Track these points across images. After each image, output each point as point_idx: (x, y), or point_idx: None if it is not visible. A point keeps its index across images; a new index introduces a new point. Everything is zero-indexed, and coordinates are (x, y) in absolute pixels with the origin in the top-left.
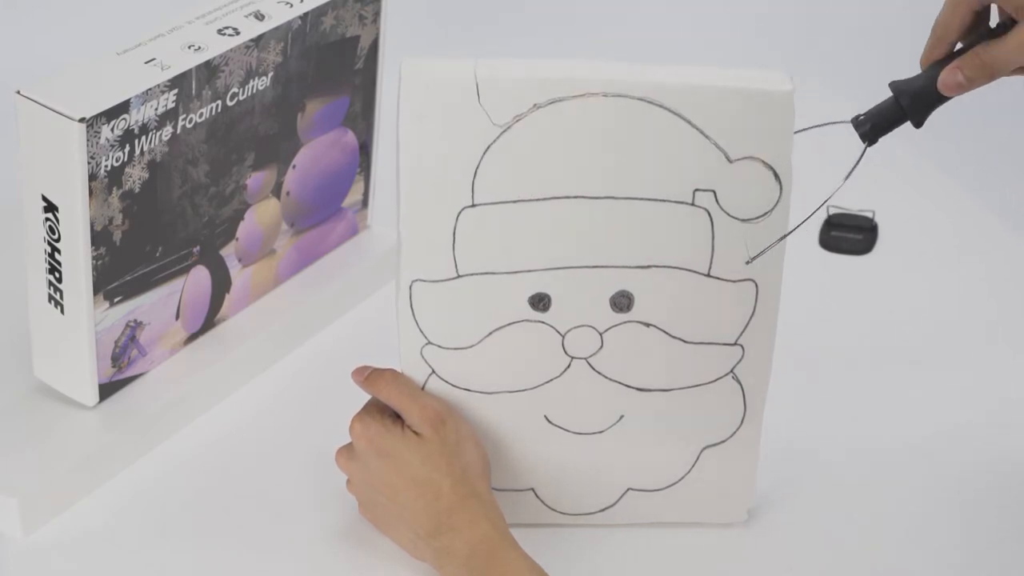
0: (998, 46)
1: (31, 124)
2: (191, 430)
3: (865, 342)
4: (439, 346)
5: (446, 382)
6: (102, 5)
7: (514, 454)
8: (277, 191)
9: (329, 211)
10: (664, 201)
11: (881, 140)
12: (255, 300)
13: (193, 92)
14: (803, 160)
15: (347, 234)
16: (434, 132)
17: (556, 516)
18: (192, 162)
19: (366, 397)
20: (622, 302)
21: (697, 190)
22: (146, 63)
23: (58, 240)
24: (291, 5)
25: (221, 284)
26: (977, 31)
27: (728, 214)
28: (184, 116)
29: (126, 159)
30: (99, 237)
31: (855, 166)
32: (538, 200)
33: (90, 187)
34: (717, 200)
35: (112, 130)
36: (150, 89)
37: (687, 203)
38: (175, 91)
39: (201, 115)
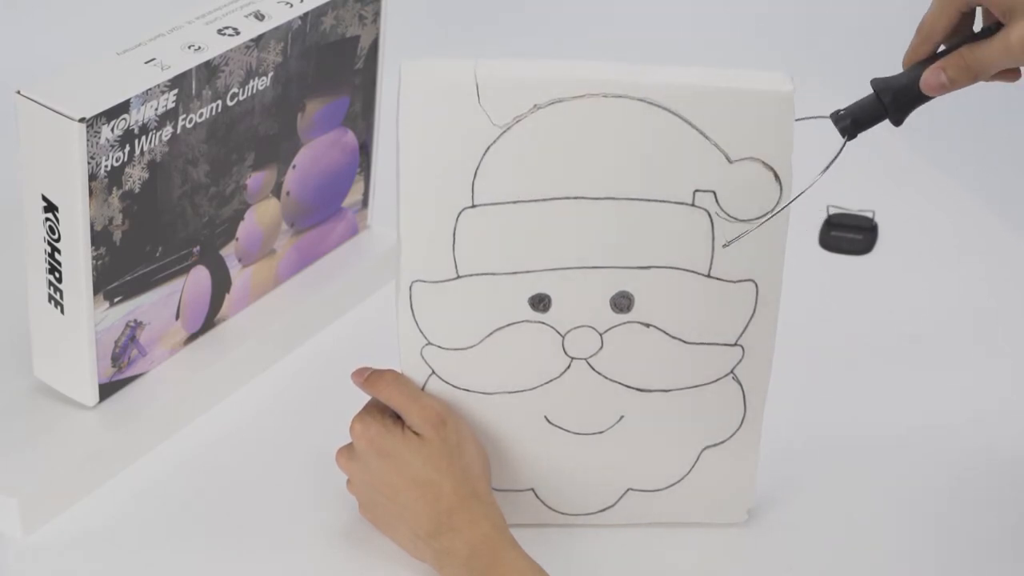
0: (982, 48)
1: (31, 124)
2: (191, 430)
3: (865, 342)
4: (439, 347)
5: (446, 383)
6: (102, 5)
7: (514, 454)
8: (277, 191)
9: (329, 211)
10: (664, 202)
11: (881, 140)
12: (255, 300)
13: (193, 92)
14: (803, 160)
15: (347, 234)
16: (434, 133)
17: (556, 516)
18: (192, 162)
19: (366, 397)
20: (622, 303)
21: (697, 191)
22: (146, 63)
23: (58, 240)
24: (291, 5)
25: (221, 284)
26: (961, 33)
27: (728, 215)
28: (184, 116)
29: (126, 159)
30: (99, 237)
31: (833, 160)
32: (538, 201)
33: (90, 187)
34: (717, 201)
35: (112, 130)
36: (150, 89)
37: (687, 204)
38: (175, 91)
39: (201, 115)
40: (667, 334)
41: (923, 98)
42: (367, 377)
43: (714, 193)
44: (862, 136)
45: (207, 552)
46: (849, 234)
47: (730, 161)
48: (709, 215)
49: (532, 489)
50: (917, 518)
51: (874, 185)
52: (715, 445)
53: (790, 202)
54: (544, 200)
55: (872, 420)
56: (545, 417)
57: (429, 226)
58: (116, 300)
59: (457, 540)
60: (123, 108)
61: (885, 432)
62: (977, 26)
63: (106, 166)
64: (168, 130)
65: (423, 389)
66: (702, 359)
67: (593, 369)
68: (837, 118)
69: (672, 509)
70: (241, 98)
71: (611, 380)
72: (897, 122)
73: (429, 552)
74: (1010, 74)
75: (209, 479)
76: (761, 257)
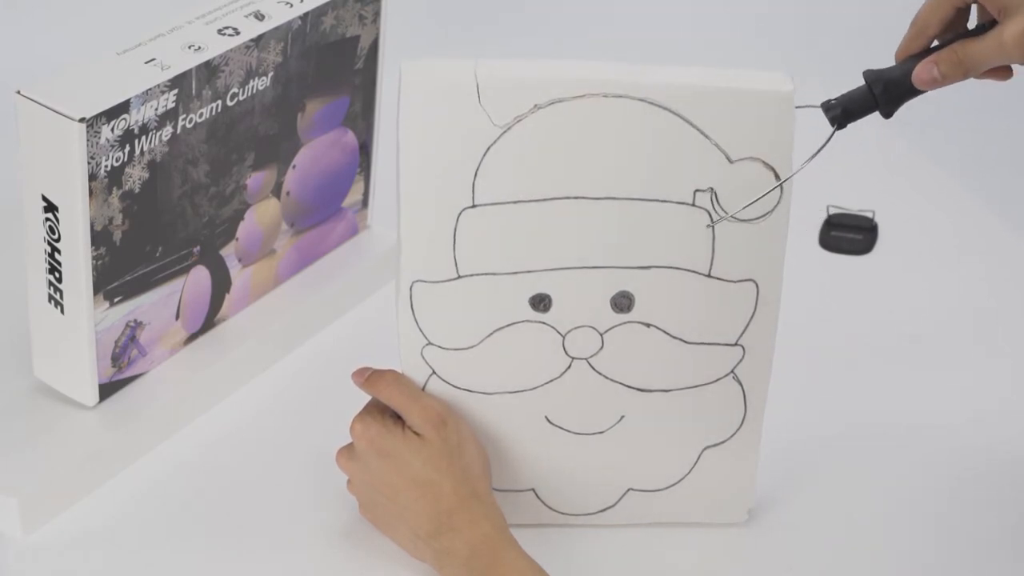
0: (976, 44)
1: (31, 124)
2: (191, 430)
3: (865, 342)
4: (439, 347)
5: (447, 383)
6: (102, 5)
7: (515, 454)
8: (277, 191)
9: (329, 211)
10: (665, 202)
11: (881, 140)
12: (255, 300)
13: (193, 92)
14: (805, 151)
15: (347, 234)
16: (434, 133)
17: (556, 516)
18: (192, 162)
19: (366, 397)
20: (623, 303)
21: (697, 190)
22: (146, 63)
23: (58, 240)
24: (291, 5)
25: (221, 284)
26: (955, 29)
27: (729, 214)
28: (184, 116)
29: (126, 159)
30: (99, 237)
31: (820, 148)
32: (539, 201)
33: (90, 187)
34: (717, 200)
35: (112, 130)
36: (150, 89)
37: (687, 203)
38: (175, 91)
39: (201, 115)
40: (667, 334)
41: (914, 92)
42: (367, 377)
43: (714, 193)
44: (862, 136)
45: (207, 552)
46: (849, 234)
47: (730, 161)
48: (709, 215)
49: (532, 489)
50: (917, 518)
51: (874, 185)
52: (715, 445)
53: (774, 188)
54: (544, 200)
55: (872, 420)
56: (546, 417)
57: (429, 226)
58: (116, 300)
59: (457, 540)
60: (123, 108)
61: (885, 432)
62: (972, 23)
63: (106, 166)
64: (168, 130)
65: (423, 389)
66: (702, 359)
67: (593, 369)
68: (827, 107)
69: (672, 509)
70: (241, 98)
71: (611, 380)
72: (887, 114)
73: (429, 552)
74: (1002, 72)
75: (209, 479)
76: (761, 257)
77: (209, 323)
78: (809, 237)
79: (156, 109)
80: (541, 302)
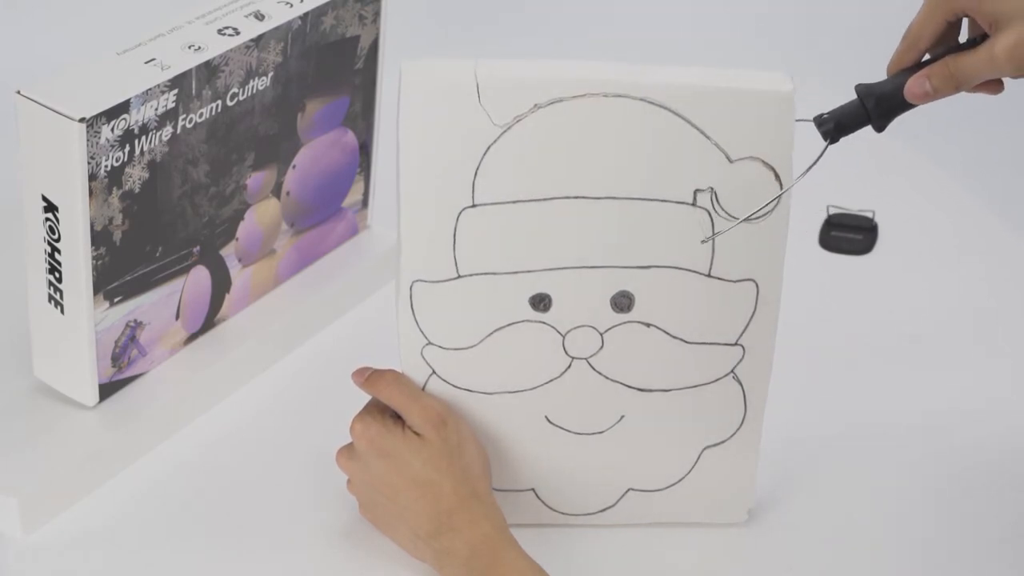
0: (967, 58)
1: (31, 124)
2: (191, 430)
3: (865, 342)
4: (439, 346)
5: (447, 382)
6: (102, 5)
7: (515, 454)
8: (277, 191)
9: (329, 211)
10: (664, 201)
11: (881, 140)
12: (255, 300)
13: (193, 92)
14: (803, 160)
15: (347, 234)
16: (434, 133)
17: (556, 516)
18: (192, 162)
19: (366, 397)
20: (623, 302)
21: (697, 190)
22: (146, 63)
23: (58, 240)
24: (291, 5)
25: (221, 284)
26: (947, 43)
27: (729, 214)
28: (184, 116)
29: (126, 159)
30: (99, 237)
31: (814, 163)
32: (539, 200)
33: (90, 187)
34: (717, 200)
35: (112, 130)
36: (150, 89)
37: (688, 203)
38: (175, 91)
39: (201, 115)
40: (667, 334)
41: (906, 105)
42: (367, 377)
43: (714, 192)
44: (862, 136)
45: (207, 552)
46: (849, 234)
47: (730, 161)
48: (709, 215)
49: (532, 489)
50: (917, 518)
51: (874, 185)
52: (715, 445)
53: (771, 201)
54: (544, 200)
55: (872, 420)
56: (545, 417)
57: (429, 226)
58: (116, 300)
59: (457, 540)
60: (123, 108)
61: (885, 432)
62: (963, 37)
63: (106, 166)
64: (168, 130)
65: (423, 389)
66: (703, 359)
67: (593, 369)
68: (820, 122)
69: (672, 509)
70: (241, 98)
71: (611, 380)
72: (879, 128)
73: (429, 552)
74: (993, 85)
75: (209, 479)
76: (761, 257)
77: (209, 323)
78: (809, 237)
79: (156, 109)
80: (541, 302)
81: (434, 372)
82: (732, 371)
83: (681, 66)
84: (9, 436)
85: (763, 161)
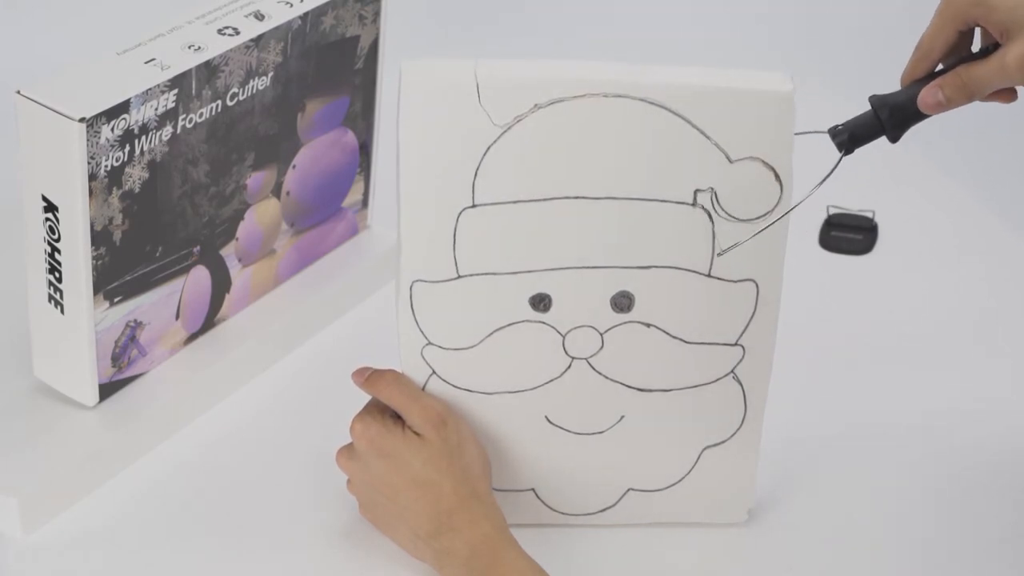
0: (979, 67)
1: (31, 124)
2: (191, 430)
3: (865, 342)
4: (440, 347)
5: (447, 383)
6: (102, 5)
7: (515, 454)
8: (277, 191)
9: (329, 211)
10: (664, 201)
11: (881, 141)
12: (255, 300)
13: (193, 92)
14: (804, 160)
15: (347, 234)
16: (434, 133)
17: (556, 516)
18: (192, 162)
19: (366, 397)
20: (623, 302)
21: (697, 190)
22: (146, 63)
23: (58, 240)
24: (291, 5)
25: (221, 284)
26: (959, 53)
27: (729, 214)
28: (184, 116)
29: (126, 159)
30: (99, 237)
31: (829, 174)
32: (539, 201)
33: (90, 187)
34: (718, 200)
35: (112, 130)
36: (150, 89)
37: (688, 203)
38: (175, 91)
39: (201, 115)
40: (668, 334)
41: (920, 115)
42: (367, 377)
43: (714, 193)
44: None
45: (207, 552)
46: (849, 234)
47: (730, 161)
48: (709, 215)
49: (532, 489)
50: (917, 518)
51: (874, 185)
52: (715, 445)
53: (785, 214)
54: (544, 200)
55: (872, 420)
56: (546, 417)
57: (429, 226)
58: (116, 300)
59: (457, 540)
60: (123, 108)
61: (885, 432)
62: (975, 46)
63: (106, 166)
64: (168, 130)
65: (423, 389)
66: (703, 359)
67: (593, 369)
68: (835, 133)
69: (672, 509)
70: (241, 98)
71: (611, 380)
72: (894, 139)
73: (429, 552)
74: (1006, 94)
75: (209, 479)
76: (761, 257)
77: (209, 323)
78: (809, 237)
79: (156, 109)
80: (541, 302)
81: (434, 372)
82: (732, 371)
83: (681, 66)
84: (9, 436)
85: (763, 161)
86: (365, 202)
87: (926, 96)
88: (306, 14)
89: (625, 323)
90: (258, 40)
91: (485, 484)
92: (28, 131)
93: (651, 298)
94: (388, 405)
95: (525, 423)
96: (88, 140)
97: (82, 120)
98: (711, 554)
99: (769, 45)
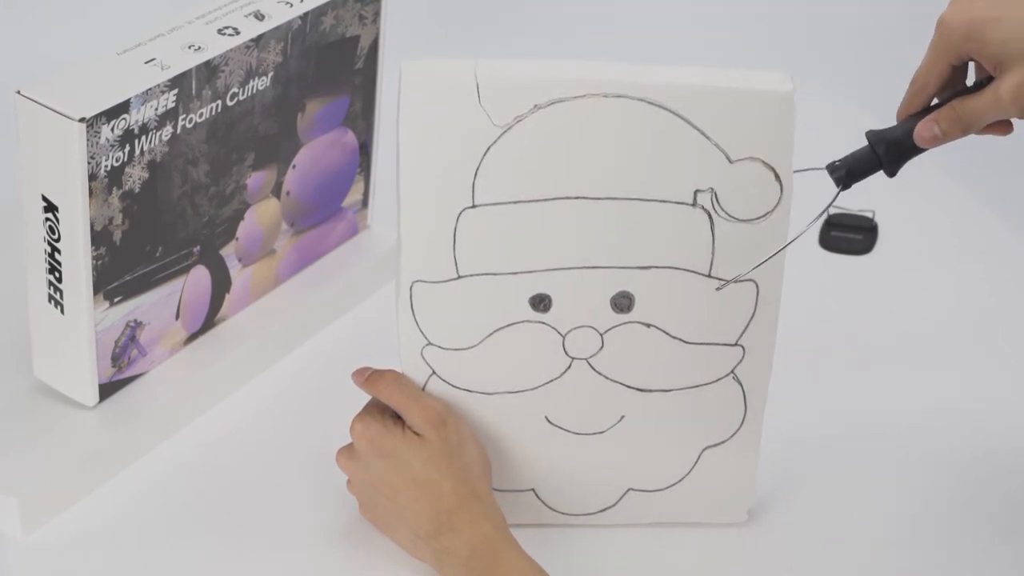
0: (974, 101)
1: (31, 124)
2: (191, 430)
3: (865, 342)
4: (439, 347)
5: (447, 383)
6: (102, 5)
7: (515, 455)
8: (277, 191)
9: (329, 211)
10: (664, 202)
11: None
12: (255, 300)
13: (193, 92)
14: (804, 161)
15: (347, 234)
16: (434, 133)
17: (556, 516)
18: (192, 162)
19: (366, 397)
20: (623, 303)
21: (697, 191)
22: (146, 63)
23: (58, 240)
24: (291, 5)
25: (221, 284)
26: (954, 87)
27: (729, 215)
28: (184, 116)
29: (126, 159)
30: (99, 237)
31: (826, 208)
32: (539, 201)
33: (90, 187)
34: (718, 201)
35: (112, 130)
36: (150, 89)
37: (687, 204)
38: (175, 91)
39: (201, 115)
40: (668, 334)
41: (916, 149)
42: (367, 377)
43: (714, 193)
44: (862, 137)
45: (207, 552)
46: (849, 234)
47: (730, 161)
48: (709, 215)
49: (532, 489)
50: (917, 518)
51: (874, 185)
52: (715, 445)
53: (784, 248)
54: (545, 200)
55: (872, 420)
56: (546, 417)
57: (429, 226)
58: (116, 300)
59: (457, 540)
60: (123, 108)
61: (885, 432)
62: (970, 80)
63: (106, 166)
64: (168, 130)
65: (423, 389)
66: (703, 359)
67: (593, 369)
68: (832, 169)
69: (672, 509)
70: (241, 98)
71: (612, 380)
72: (891, 173)
73: (429, 552)
74: (1002, 126)
75: (209, 479)
76: (762, 257)
77: (209, 323)
78: (809, 237)
79: (156, 109)
80: (541, 302)
81: (434, 372)
82: (732, 371)
83: (681, 66)
84: (9, 436)
85: (763, 161)
86: (365, 202)
87: (922, 130)
88: (306, 14)
89: (625, 323)
90: (258, 40)
91: (485, 484)
92: (28, 131)
93: (651, 298)
94: (388, 405)
95: (525, 423)
96: (88, 140)
97: (82, 120)
98: (711, 554)
99: (769, 45)
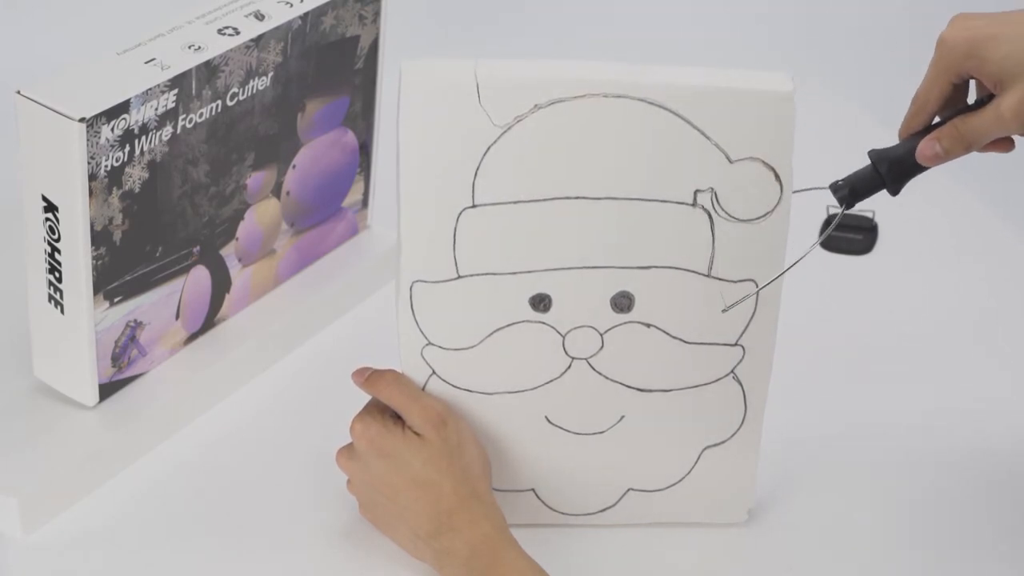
0: (975, 118)
1: (31, 124)
2: (191, 430)
3: (865, 342)
4: (440, 347)
5: (447, 383)
6: (102, 5)
7: (515, 455)
8: (277, 191)
9: (329, 211)
10: (665, 202)
11: (882, 142)
12: (255, 300)
13: (193, 92)
14: (804, 161)
15: (347, 234)
16: (434, 133)
17: (556, 516)
18: (192, 162)
19: (366, 397)
20: (623, 303)
21: (697, 191)
22: (146, 63)
23: (58, 240)
24: (291, 5)
25: (221, 284)
26: (955, 105)
27: (729, 215)
28: (184, 116)
29: (126, 159)
30: (99, 237)
31: (830, 228)
32: (539, 201)
33: (90, 187)
34: (718, 201)
35: (112, 130)
36: (150, 89)
37: (687, 204)
38: (175, 91)
39: (201, 115)
40: (668, 334)
41: (919, 168)
42: (367, 377)
43: (714, 193)
44: (862, 136)
45: (207, 552)
46: (849, 234)
47: (730, 161)
48: (709, 215)
49: (532, 489)
50: (917, 518)
51: None
52: (716, 445)
53: (786, 270)
54: (545, 200)
55: (872, 420)
56: (546, 417)
57: (429, 226)
58: (116, 300)
59: (457, 540)
60: (123, 108)
61: (885, 432)
62: (971, 98)
63: (106, 166)
64: (168, 130)
65: (423, 389)
66: (703, 359)
67: (593, 369)
68: (835, 188)
69: (672, 509)
70: (241, 98)
71: (612, 380)
72: (894, 192)
73: (429, 552)
74: (1004, 144)
75: (209, 479)
76: (761, 257)
77: (209, 323)
78: (809, 237)
79: (156, 109)
80: (541, 302)
81: (434, 372)
82: (732, 371)
83: (681, 66)
84: (9, 436)
85: (763, 161)
86: (365, 202)
87: (924, 148)
88: (306, 14)
89: (625, 323)
90: (258, 40)
91: (485, 484)
92: (28, 131)
93: (651, 298)
94: (388, 405)
95: (525, 423)
96: (88, 140)
97: (82, 120)
98: (711, 554)
99: (769, 45)
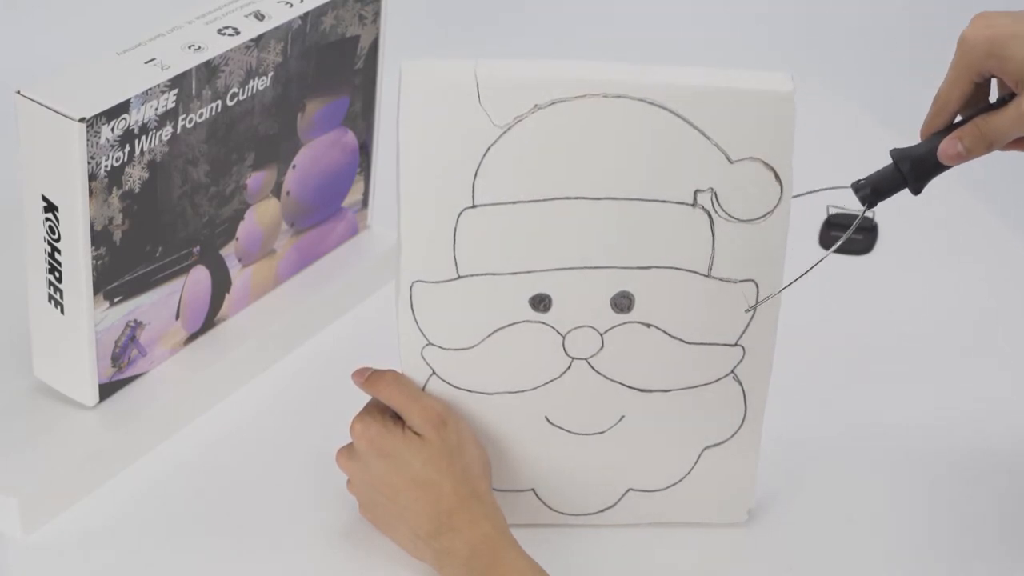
0: (997, 117)
1: (31, 124)
2: (191, 430)
3: (865, 342)
4: (439, 347)
5: (447, 383)
6: (102, 5)
7: (515, 455)
8: (277, 191)
9: (329, 211)
10: (665, 202)
11: (882, 142)
12: (255, 300)
13: (193, 92)
14: (804, 161)
15: (347, 234)
16: (434, 133)
17: (557, 516)
18: (192, 162)
19: (366, 397)
20: (623, 303)
21: (698, 191)
22: (146, 63)
23: (58, 240)
24: (291, 5)
25: (221, 284)
26: (976, 104)
27: (729, 215)
28: (184, 116)
29: (126, 159)
30: (99, 237)
31: (850, 231)
32: (539, 201)
33: (90, 187)
34: (718, 201)
35: (112, 130)
36: (150, 89)
37: (687, 204)
38: (175, 91)
39: (201, 115)
40: (668, 334)
41: (940, 167)
42: (367, 377)
43: (715, 193)
44: (862, 136)
45: (207, 552)
46: None
47: (730, 161)
48: (709, 215)
49: (533, 489)
50: (917, 518)
51: None
52: (716, 445)
53: (801, 276)
54: (545, 200)
55: (872, 420)
56: (546, 417)
57: (429, 226)
58: (116, 300)
59: (457, 540)
60: (123, 108)
61: (885, 432)
62: (992, 97)
63: (106, 166)
64: (168, 130)
65: (423, 389)
66: (703, 359)
67: (594, 369)
68: (857, 187)
69: (672, 509)
70: (241, 98)
71: (612, 380)
72: (916, 191)
73: (429, 552)
74: None
75: (209, 479)
76: (761, 257)
77: (209, 323)
78: (809, 237)
79: (156, 109)
80: (541, 302)
81: (434, 372)
82: (732, 371)
83: (681, 66)
84: (9, 436)
85: (763, 161)
86: (365, 202)
87: (946, 148)
88: (306, 14)
89: (625, 323)
90: (258, 40)
91: (485, 484)
92: (28, 131)
93: (651, 298)
94: (388, 405)
95: (525, 423)
96: (88, 140)
97: (82, 120)
98: (711, 554)
99: (769, 45)
